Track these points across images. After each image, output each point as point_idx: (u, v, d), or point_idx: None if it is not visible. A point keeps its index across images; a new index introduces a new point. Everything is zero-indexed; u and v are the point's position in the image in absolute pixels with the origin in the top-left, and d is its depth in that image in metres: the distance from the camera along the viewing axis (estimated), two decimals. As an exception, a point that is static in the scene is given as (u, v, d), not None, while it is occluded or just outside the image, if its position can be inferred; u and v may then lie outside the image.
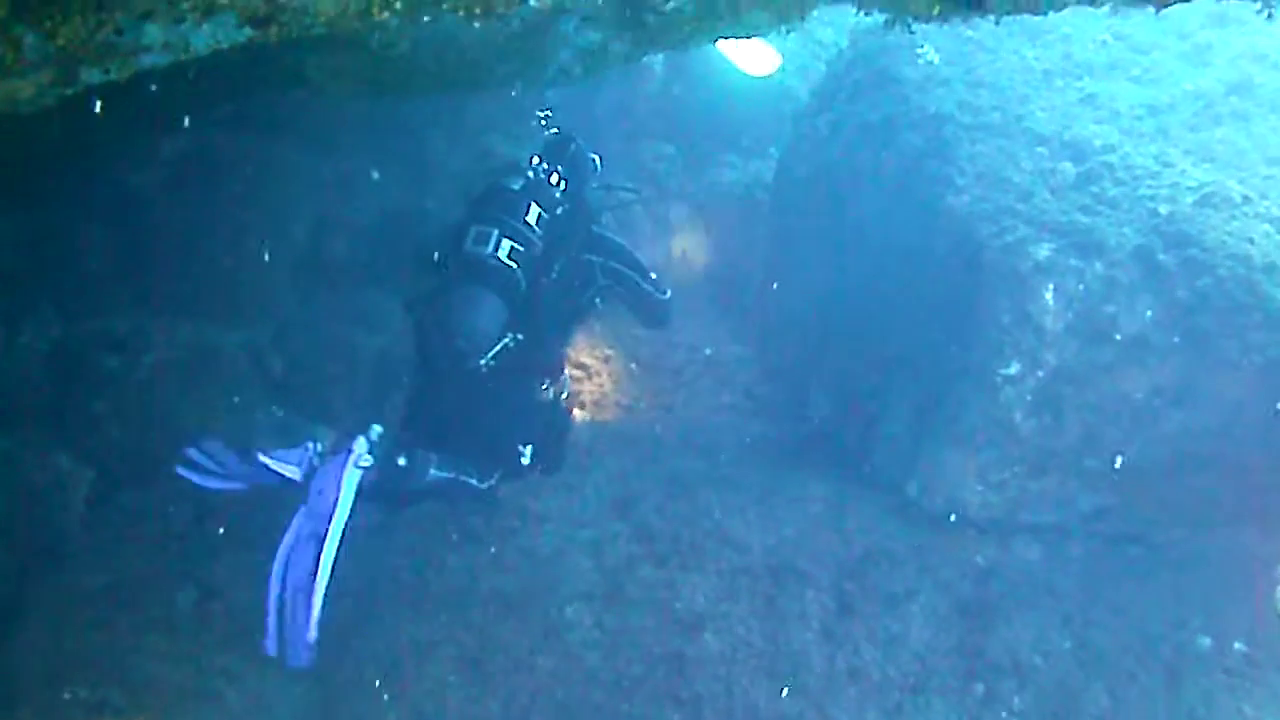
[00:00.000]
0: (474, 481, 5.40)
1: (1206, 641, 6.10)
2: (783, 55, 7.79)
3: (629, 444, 6.68)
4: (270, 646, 4.91)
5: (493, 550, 5.85)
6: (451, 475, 5.31)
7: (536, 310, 5.35)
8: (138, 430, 6.34)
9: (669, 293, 5.86)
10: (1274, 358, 5.71)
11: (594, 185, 5.93)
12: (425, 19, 3.27)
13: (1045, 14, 3.14)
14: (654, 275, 5.80)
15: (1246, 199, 6.07)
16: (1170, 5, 3.05)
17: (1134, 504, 6.05)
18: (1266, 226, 5.96)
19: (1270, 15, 3.24)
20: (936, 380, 6.01)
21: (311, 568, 4.82)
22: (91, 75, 3.60)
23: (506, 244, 5.21)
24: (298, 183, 7.12)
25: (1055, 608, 6.05)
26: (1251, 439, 5.82)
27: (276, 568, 4.92)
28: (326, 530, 4.87)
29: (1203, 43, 6.98)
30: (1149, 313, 5.71)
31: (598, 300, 5.76)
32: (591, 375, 7.29)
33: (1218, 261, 5.73)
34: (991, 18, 6.50)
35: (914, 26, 6.37)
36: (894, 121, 6.38)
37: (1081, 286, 5.70)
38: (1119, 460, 5.83)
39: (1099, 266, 5.71)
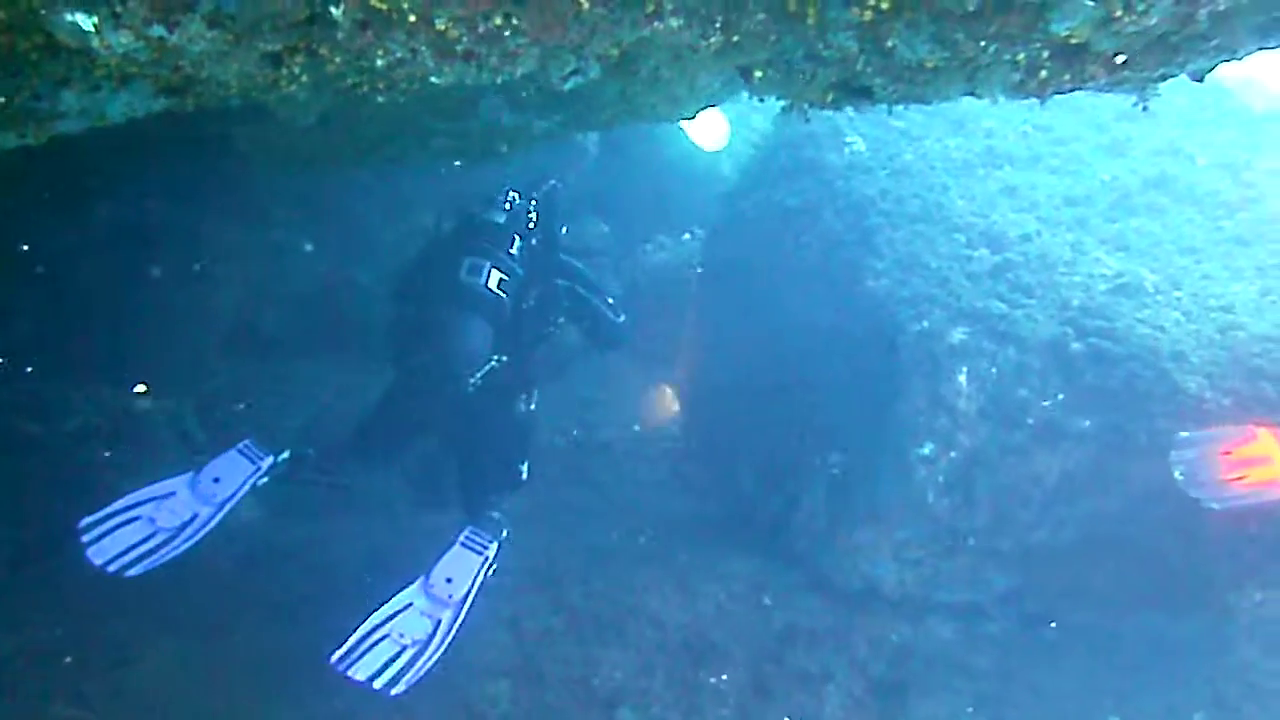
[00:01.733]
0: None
1: (1118, 725, 6.17)
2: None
3: (553, 518, 6.70)
4: (335, 657, 5.04)
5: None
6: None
7: (518, 334, 5.80)
8: (59, 495, 6.28)
9: (624, 317, 6.22)
10: (1182, 444, 5.84)
11: (561, 226, 6.30)
12: (332, 92, 3.34)
13: (930, 103, 3.25)
14: (611, 300, 6.21)
15: (1159, 288, 6.23)
16: (1051, 96, 3.16)
17: (1046, 585, 6.14)
18: (1178, 315, 6.12)
19: (1145, 108, 3.36)
20: (854, 459, 6.09)
21: (419, 641, 5.09)
22: (7, 140, 3.64)
23: (496, 275, 5.68)
24: (229, 252, 7.15)
25: (969, 688, 6.10)
26: (1160, 525, 5.92)
27: (382, 617, 5.12)
28: (453, 621, 5.20)
29: (1120, 136, 7.20)
30: (1060, 397, 5.82)
31: (561, 320, 6.12)
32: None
33: (1129, 350, 5.86)
34: (919, 110, 6.77)
35: (843, 115, 6.57)
36: (817, 207, 6.52)
37: (995, 370, 5.81)
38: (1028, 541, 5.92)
39: (1012, 352, 5.83)
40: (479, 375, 5.59)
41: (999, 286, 6.07)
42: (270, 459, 5.47)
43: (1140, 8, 2.69)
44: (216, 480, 5.32)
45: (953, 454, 5.83)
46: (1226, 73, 8.10)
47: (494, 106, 5.02)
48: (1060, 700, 6.18)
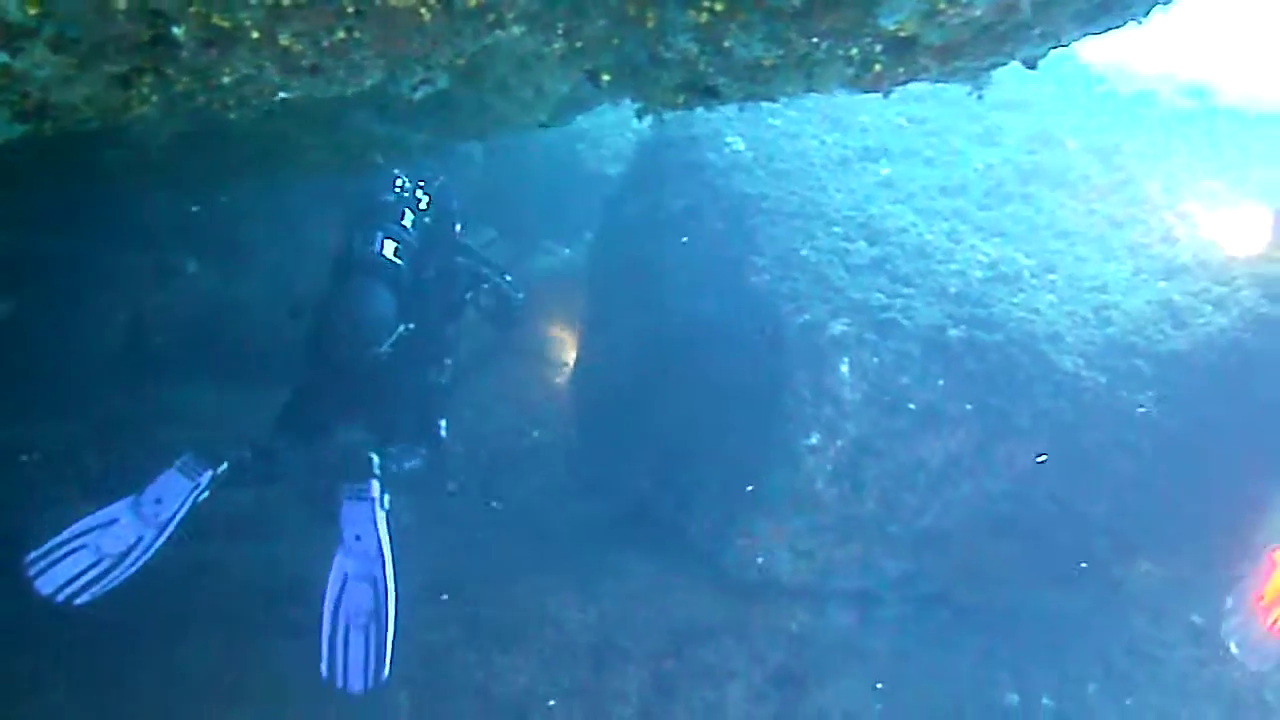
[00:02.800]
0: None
1: (1014, 698, 6.32)
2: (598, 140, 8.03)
3: (451, 527, 6.69)
4: (325, 670, 5.18)
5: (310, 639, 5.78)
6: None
7: (423, 303, 5.97)
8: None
9: (523, 295, 6.44)
10: (1060, 423, 6.00)
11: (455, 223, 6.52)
12: (184, 111, 3.34)
13: (776, 100, 3.33)
14: (509, 278, 6.42)
15: (1033, 272, 6.41)
16: (894, 89, 3.25)
17: (937, 568, 6.27)
18: (1051, 297, 6.30)
19: (980, 96, 3.47)
20: (745, 453, 6.16)
21: (371, 604, 5.23)
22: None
23: (390, 244, 5.84)
24: (114, 276, 7.06)
25: (867, 672, 6.22)
26: (1045, 502, 6.08)
27: (329, 605, 5.23)
28: (382, 570, 5.28)
29: (993, 125, 7.38)
30: (941, 382, 5.95)
31: (468, 296, 6.36)
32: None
33: (1006, 333, 6.02)
34: (796, 108, 6.88)
35: (718, 115, 6.66)
36: (699, 207, 6.59)
37: (876, 360, 5.92)
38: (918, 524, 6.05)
39: (893, 341, 5.95)
40: (388, 343, 5.69)
41: (878, 278, 6.19)
42: (209, 473, 5.46)
43: (964, 0, 2.78)
44: (158, 501, 5.31)
45: (839, 443, 5.92)
46: (1096, 58, 8.36)
47: (365, 119, 5.03)
48: (957, 679, 6.34)
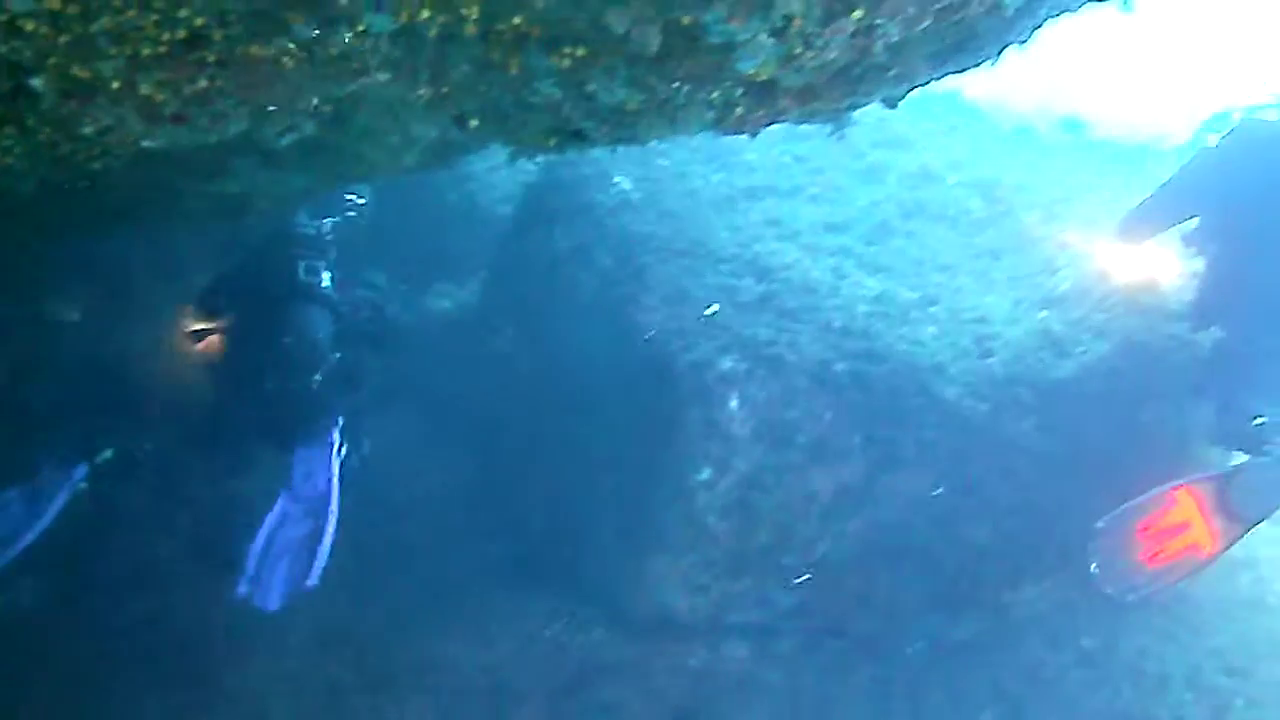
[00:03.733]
0: None
1: (910, 728, 6.39)
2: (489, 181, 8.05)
3: (346, 576, 6.61)
4: (241, 588, 5.29)
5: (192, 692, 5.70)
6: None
7: (348, 334, 6.12)
8: None
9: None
10: (945, 452, 6.12)
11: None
12: (48, 160, 3.31)
13: (643, 143, 3.38)
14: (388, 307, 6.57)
15: (916, 305, 6.53)
16: (760, 129, 3.32)
17: (831, 599, 6.34)
18: (934, 329, 6.42)
19: (841, 137, 3.55)
20: (638, 490, 6.19)
21: (307, 534, 5.39)
22: None
23: (327, 275, 6.04)
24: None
25: (764, 706, 6.25)
26: (932, 530, 6.20)
27: (262, 535, 5.39)
28: (325, 507, 5.46)
29: (875, 162, 7.53)
30: (829, 415, 6.03)
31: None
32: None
33: (889, 365, 6.12)
34: (683, 148, 6.95)
35: (605, 156, 6.71)
36: (589, 247, 6.63)
37: (765, 395, 5.98)
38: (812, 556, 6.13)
39: (780, 375, 6.02)
40: (319, 374, 5.81)
41: (765, 314, 6.25)
42: (84, 467, 5.58)
43: (819, 43, 2.86)
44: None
45: (730, 478, 5.97)
46: (977, 94, 8.57)
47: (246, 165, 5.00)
48: (852, 709, 6.41)
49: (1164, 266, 6.77)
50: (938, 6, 2.88)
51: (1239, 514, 5.35)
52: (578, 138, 3.27)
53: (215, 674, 5.79)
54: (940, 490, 6.14)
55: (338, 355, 5.96)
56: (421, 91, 3.01)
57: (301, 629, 5.97)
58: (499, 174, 7.94)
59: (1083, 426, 6.27)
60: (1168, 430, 6.37)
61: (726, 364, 5.99)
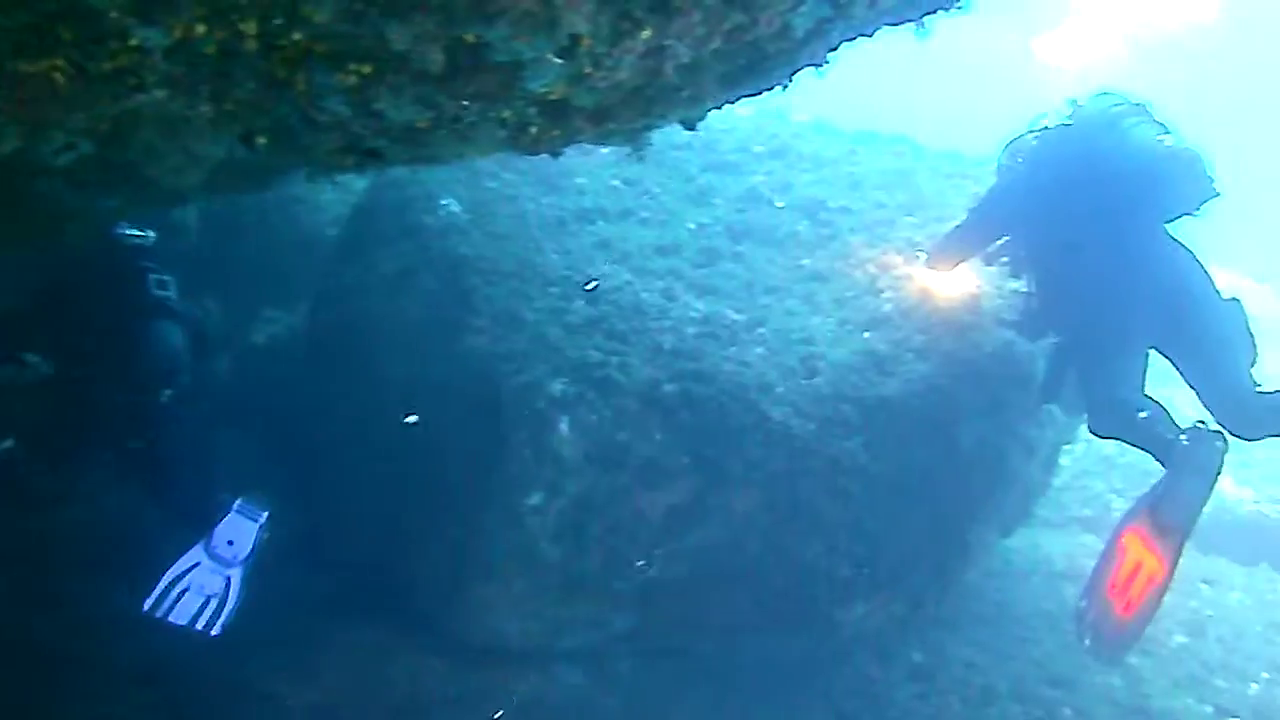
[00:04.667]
0: None
1: (745, 748, 6.41)
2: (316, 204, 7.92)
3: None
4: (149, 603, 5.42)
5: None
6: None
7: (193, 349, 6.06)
8: None
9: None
10: (774, 471, 6.17)
11: None
12: None
13: (443, 162, 3.33)
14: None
15: (744, 327, 6.58)
16: (558, 149, 3.30)
17: (664, 620, 6.33)
18: (761, 350, 6.48)
19: (641, 158, 3.56)
20: (469, 516, 6.11)
21: (219, 590, 5.55)
22: None
23: (174, 288, 5.97)
24: None
25: (598, 730, 6.21)
26: (761, 550, 6.24)
27: (171, 572, 5.48)
28: (241, 574, 5.62)
29: (704, 185, 7.60)
30: (658, 437, 6.04)
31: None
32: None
33: (718, 386, 6.16)
34: (513, 171, 6.91)
35: (433, 177, 6.63)
36: (416, 270, 6.55)
37: (595, 418, 5.97)
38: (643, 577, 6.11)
39: (611, 398, 6.01)
40: (172, 389, 5.74)
41: (595, 337, 6.25)
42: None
43: (609, 63, 2.85)
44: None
45: (561, 502, 5.94)
46: (802, 116, 8.70)
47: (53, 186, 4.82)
48: (688, 729, 6.40)
49: (979, 286, 6.95)
50: (726, 27, 2.90)
51: (1175, 527, 5.48)
52: (371, 156, 3.21)
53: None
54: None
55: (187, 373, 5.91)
56: (203, 109, 2.93)
57: (119, 661, 5.76)
58: (326, 196, 7.79)
59: (906, 445, 6.40)
60: (986, 448, 6.53)
61: (557, 387, 5.97)
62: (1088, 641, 5.85)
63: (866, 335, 6.69)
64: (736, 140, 8.23)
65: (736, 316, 6.63)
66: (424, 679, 6.16)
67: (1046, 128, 6.49)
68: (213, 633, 5.52)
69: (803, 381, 6.39)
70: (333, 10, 2.55)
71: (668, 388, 6.10)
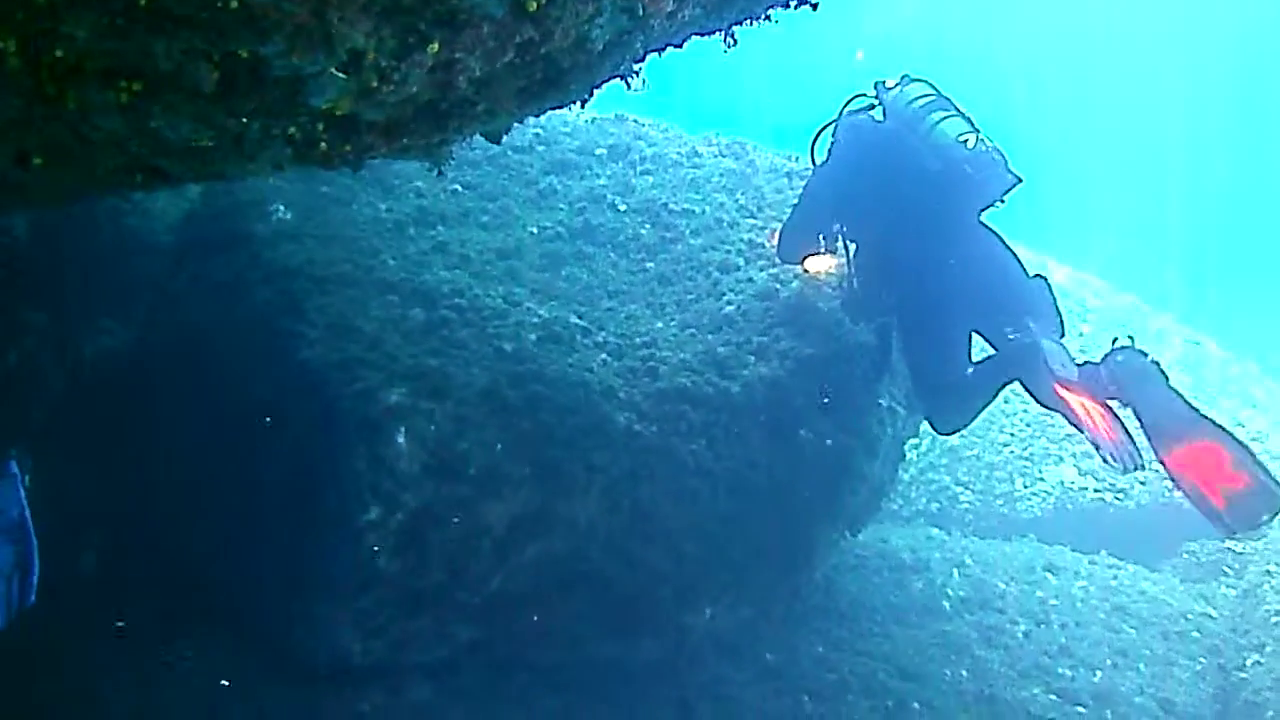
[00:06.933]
0: None
1: (595, 756, 6.37)
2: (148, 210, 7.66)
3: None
4: None
5: None
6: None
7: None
8: None
9: None
10: (616, 476, 6.13)
11: None
12: None
13: (230, 179, 3.21)
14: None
15: (586, 331, 6.53)
16: (352, 165, 3.20)
17: (510, 631, 6.25)
18: (605, 355, 6.44)
19: (440, 173, 3.48)
20: (304, 533, 5.96)
21: (14, 560, 5.23)
22: None
23: None
24: None
25: (445, 745, 6.11)
26: (605, 557, 6.20)
27: None
28: (26, 534, 5.29)
29: (545, 188, 7.54)
30: (499, 446, 5.95)
31: None
32: None
33: (558, 391, 6.09)
34: (347, 176, 6.74)
35: (265, 183, 6.46)
36: (244, 278, 6.36)
37: (433, 427, 5.86)
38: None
39: (449, 406, 5.90)
40: None
41: (432, 342, 6.14)
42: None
43: (396, 77, 2.76)
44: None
45: (399, 515, 5.81)
46: (647, 123, 8.66)
47: None
48: (538, 740, 6.34)
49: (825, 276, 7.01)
50: (518, 40, 2.83)
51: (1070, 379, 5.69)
52: (156, 175, 3.07)
53: None
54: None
55: None
56: (-33, 129, 2.77)
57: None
58: (159, 202, 7.53)
59: (748, 446, 6.42)
60: (828, 447, 6.58)
61: (393, 397, 5.84)
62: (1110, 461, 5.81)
63: (709, 338, 6.73)
64: (578, 142, 8.17)
65: (578, 321, 6.57)
66: (261, 701, 5.99)
67: (855, 116, 6.63)
68: (29, 603, 5.32)
69: (645, 385, 6.36)
70: (92, 26, 2.42)
71: (508, 394, 6.02)
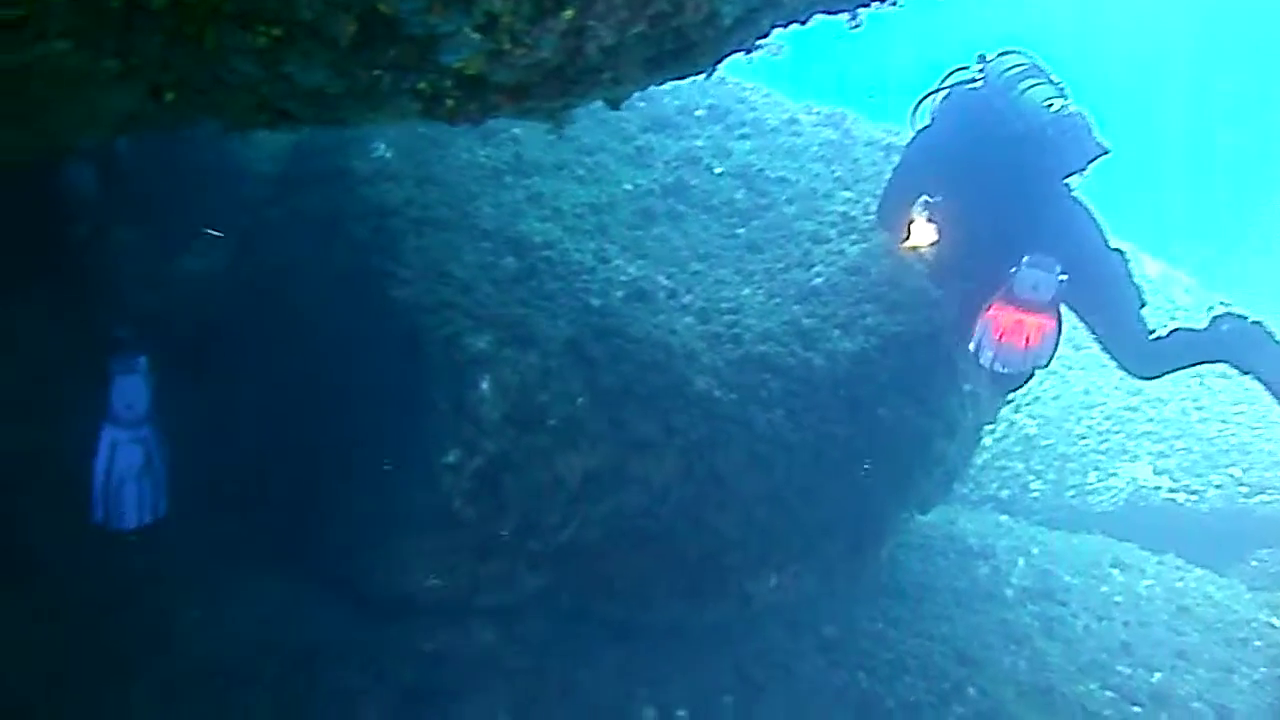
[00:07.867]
0: None
1: (651, 713, 6.43)
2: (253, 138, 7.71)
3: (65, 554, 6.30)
4: (98, 514, 5.65)
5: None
6: None
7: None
8: None
9: None
10: (695, 440, 6.16)
11: None
12: None
13: (350, 126, 3.25)
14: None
15: (673, 293, 6.55)
16: (477, 123, 3.22)
17: (577, 583, 6.33)
18: (689, 319, 6.45)
19: (560, 135, 3.50)
20: (384, 469, 6.05)
21: (143, 460, 5.72)
22: None
23: None
24: None
25: (505, 689, 6.19)
26: (677, 518, 6.23)
27: (99, 468, 5.64)
28: (152, 432, 5.79)
29: (643, 145, 7.52)
30: (580, 400, 6.00)
31: None
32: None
33: (642, 351, 6.12)
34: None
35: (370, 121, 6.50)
36: (341, 214, 6.42)
37: (517, 377, 5.91)
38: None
39: (533, 357, 5.95)
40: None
41: (522, 293, 6.18)
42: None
43: (529, 41, 2.78)
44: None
45: (478, 460, 5.88)
46: (749, 87, 8.62)
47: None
48: (595, 693, 6.40)
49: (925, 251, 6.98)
50: (650, 13, 2.84)
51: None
52: (282, 116, 3.12)
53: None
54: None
55: None
56: (109, 63, 2.82)
57: (24, 603, 5.67)
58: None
59: (828, 419, 6.41)
60: (908, 427, 6.56)
61: (479, 344, 5.90)
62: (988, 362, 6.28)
63: (795, 308, 6.70)
64: (679, 101, 8.14)
65: (666, 282, 6.58)
66: (330, 629, 6.12)
67: (954, 86, 6.67)
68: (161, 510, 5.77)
69: (728, 352, 6.37)
70: (238, -29, 2.46)
71: (592, 351, 6.06)
